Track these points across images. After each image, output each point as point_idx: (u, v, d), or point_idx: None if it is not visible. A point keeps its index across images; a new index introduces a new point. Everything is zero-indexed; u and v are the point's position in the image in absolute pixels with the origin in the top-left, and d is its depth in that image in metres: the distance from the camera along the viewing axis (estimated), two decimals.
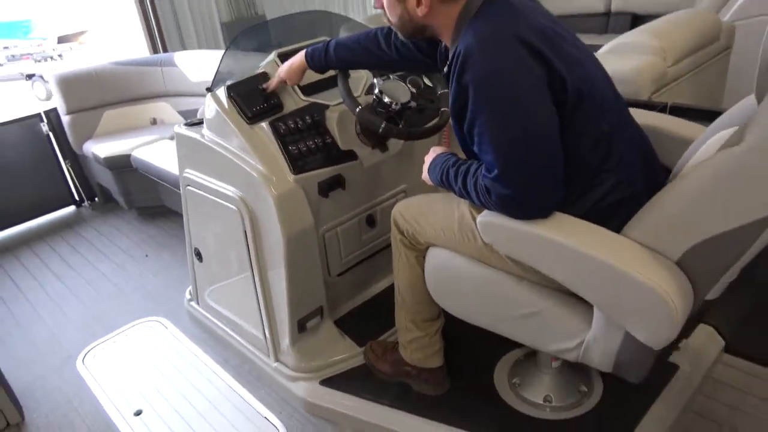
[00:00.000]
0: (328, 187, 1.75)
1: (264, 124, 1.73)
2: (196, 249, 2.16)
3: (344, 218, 1.90)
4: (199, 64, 3.40)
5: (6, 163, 3.39)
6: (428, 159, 1.45)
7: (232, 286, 2.03)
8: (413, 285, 1.57)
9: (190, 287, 2.38)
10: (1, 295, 2.83)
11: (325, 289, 1.92)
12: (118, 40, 10.51)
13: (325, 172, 1.75)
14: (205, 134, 1.85)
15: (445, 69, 1.26)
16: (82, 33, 13.35)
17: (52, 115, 3.48)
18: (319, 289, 1.89)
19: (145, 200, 3.35)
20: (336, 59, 1.68)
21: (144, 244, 3.14)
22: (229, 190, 1.81)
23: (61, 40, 13.16)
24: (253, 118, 1.75)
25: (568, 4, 4.38)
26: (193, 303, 2.37)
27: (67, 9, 13.16)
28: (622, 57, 2.39)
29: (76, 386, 2.13)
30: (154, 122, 3.60)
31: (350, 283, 2.07)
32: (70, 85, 3.45)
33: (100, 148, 3.25)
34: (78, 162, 3.60)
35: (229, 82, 1.81)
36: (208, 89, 1.83)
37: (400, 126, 1.68)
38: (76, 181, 3.66)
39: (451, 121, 1.30)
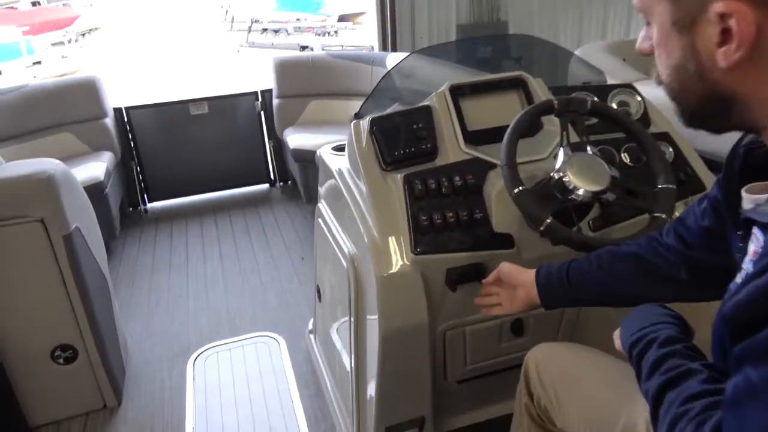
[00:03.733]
0: (459, 278, 1.28)
1: (398, 176, 1.32)
2: (317, 286, 1.88)
3: (479, 317, 1.41)
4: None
5: (222, 133, 3.58)
6: None
7: (338, 347, 1.70)
8: None
9: (312, 319, 2.13)
10: (171, 261, 2.97)
11: (436, 396, 1.47)
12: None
13: (461, 258, 1.27)
14: (343, 168, 1.52)
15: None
16: (360, 14, 14.46)
17: (267, 95, 3.57)
18: (423, 397, 1.44)
19: None
20: (582, 291, 1.04)
21: (306, 243, 3.02)
22: (345, 241, 1.46)
23: (342, 18, 14.45)
24: (390, 164, 1.36)
25: None
26: (311, 336, 2.12)
27: None
28: None
29: (178, 386, 2.04)
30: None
31: (474, 393, 1.58)
32: (286, 69, 3.49)
33: (293, 138, 3.22)
34: (280, 144, 3.66)
35: (379, 113, 1.44)
36: (355, 116, 1.49)
37: (576, 228, 1.12)
38: (274, 162, 3.74)
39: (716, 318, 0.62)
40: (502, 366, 1.52)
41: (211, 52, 12.81)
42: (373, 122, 1.40)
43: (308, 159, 3.06)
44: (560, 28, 4.74)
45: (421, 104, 1.47)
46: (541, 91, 1.51)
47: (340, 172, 1.51)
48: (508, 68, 1.80)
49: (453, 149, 1.39)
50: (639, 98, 1.57)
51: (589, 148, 1.20)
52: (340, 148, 1.68)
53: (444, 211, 1.28)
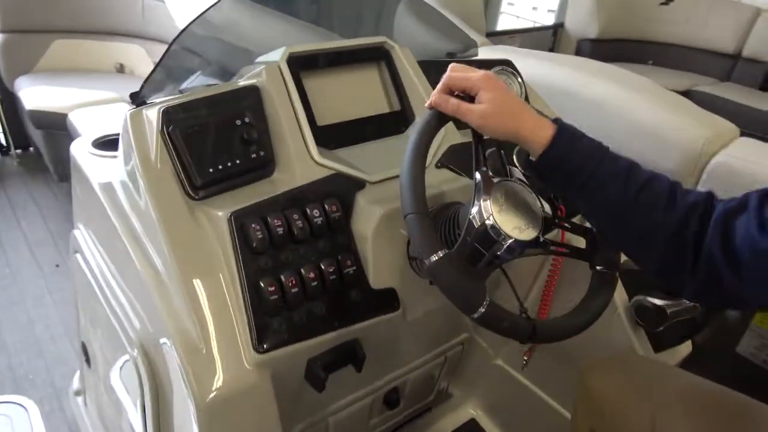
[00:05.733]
0: (326, 370, 0.83)
1: (220, 213, 0.79)
2: (83, 344, 1.26)
3: (345, 402, 0.99)
4: (196, 4, 2.40)
5: None
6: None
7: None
8: None
9: (78, 372, 1.49)
10: None
11: None
12: None
13: (326, 341, 0.82)
14: (116, 183, 0.92)
15: None
16: None
17: None
18: None
19: None
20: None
21: (62, 241, 2.22)
22: (128, 310, 0.89)
23: None
24: (201, 189, 0.82)
25: (692, 34, 3.36)
26: (80, 400, 1.48)
27: None
28: None
29: None
30: (120, 69, 2.62)
31: None
32: None
33: (30, 93, 2.29)
34: (12, 98, 2.64)
35: (174, 97, 0.87)
36: (131, 96, 0.89)
37: (521, 307, 0.75)
38: (4, 122, 2.71)
39: None
40: None
41: None
42: (168, 115, 0.82)
43: (56, 125, 2.21)
44: None
45: (241, 82, 0.94)
46: (409, 66, 1.09)
47: (111, 190, 0.92)
48: (351, 28, 1.34)
49: (299, 158, 0.90)
50: (519, 80, 1.24)
51: (512, 170, 0.83)
52: (105, 144, 1.05)
53: (300, 271, 0.79)
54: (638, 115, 1.41)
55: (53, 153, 2.35)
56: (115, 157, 1.00)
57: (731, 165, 1.28)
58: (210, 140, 0.85)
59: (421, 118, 0.78)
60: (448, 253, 0.68)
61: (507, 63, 1.24)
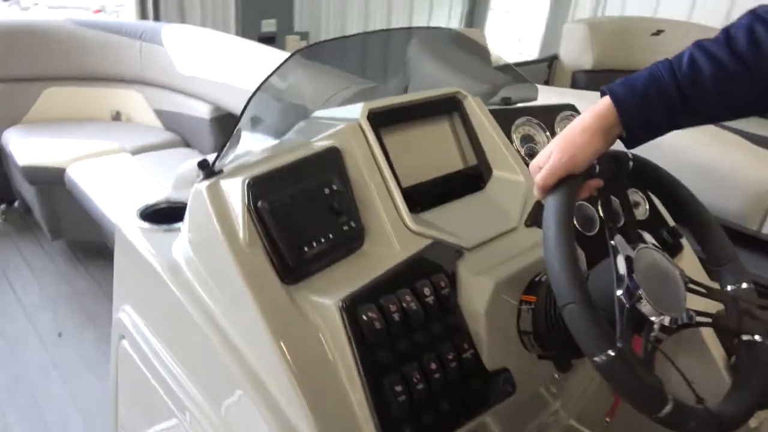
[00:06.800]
0: None
1: (328, 301, 0.69)
2: None
3: None
4: (198, 49, 2.31)
5: None
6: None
7: None
8: None
9: None
10: None
11: None
12: None
13: None
14: (183, 262, 0.81)
15: None
16: None
17: None
18: None
19: (80, 232, 2.25)
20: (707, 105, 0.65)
21: (62, 306, 2.04)
22: (202, 409, 0.77)
23: None
24: (294, 272, 0.71)
25: None
26: None
27: None
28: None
29: None
30: (116, 117, 2.50)
31: None
32: (2, 39, 2.33)
33: (21, 147, 2.14)
34: None
35: (256, 170, 0.77)
36: (202, 167, 0.78)
37: (699, 400, 0.65)
38: None
39: None
40: None
41: None
42: (255, 189, 0.72)
43: (53, 180, 2.06)
44: (350, 1, 4.31)
45: (319, 144, 0.84)
46: (483, 116, 1.01)
47: (178, 270, 0.80)
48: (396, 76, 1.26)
49: (394, 227, 0.80)
50: None
51: (644, 235, 0.75)
52: (153, 215, 0.94)
53: (422, 362, 0.69)
54: (696, 155, 1.36)
55: (48, 210, 2.19)
56: (169, 230, 0.89)
57: None
58: (300, 214, 0.75)
59: (548, 201, 0.69)
60: (621, 349, 0.59)
61: (572, 107, 1.18)
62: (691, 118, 0.68)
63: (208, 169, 0.77)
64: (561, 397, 1.20)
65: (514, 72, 1.24)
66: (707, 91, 0.64)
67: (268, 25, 3.81)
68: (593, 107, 0.69)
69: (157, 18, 3.37)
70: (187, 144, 2.35)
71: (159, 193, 2.01)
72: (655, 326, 0.65)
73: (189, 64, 2.27)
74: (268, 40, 3.70)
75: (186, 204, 0.94)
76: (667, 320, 0.66)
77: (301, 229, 0.74)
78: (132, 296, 0.94)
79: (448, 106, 1.00)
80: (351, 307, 0.67)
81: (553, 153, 0.69)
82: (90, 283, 2.18)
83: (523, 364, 0.82)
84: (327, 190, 0.78)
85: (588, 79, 3.45)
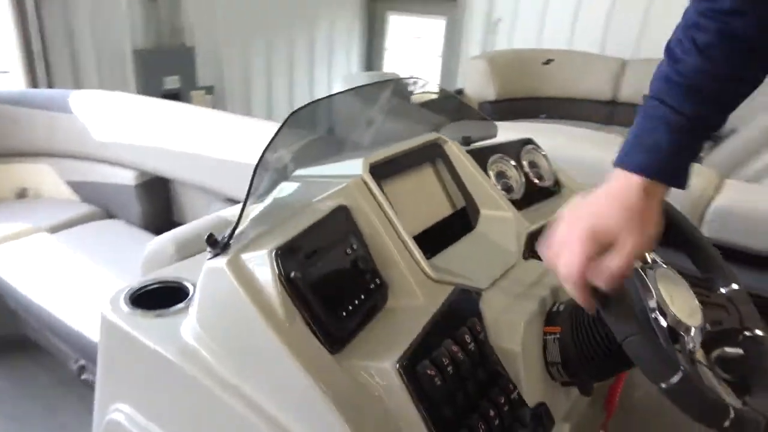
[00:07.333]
0: None
1: (385, 364, 0.66)
2: None
3: None
4: (112, 113, 2.17)
5: None
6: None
7: None
8: None
9: None
10: None
11: None
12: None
13: None
14: (193, 340, 0.74)
15: None
16: None
17: None
18: None
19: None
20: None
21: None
22: None
23: None
24: (338, 341, 0.69)
25: (574, 87, 3.74)
26: None
27: None
28: None
29: None
30: (22, 194, 2.27)
31: None
32: None
33: None
34: None
35: (274, 240, 0.73)
36: (211, 242, 0.73)
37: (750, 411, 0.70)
38: None
39: None
40: None
41: None
42: (284, 259, 0.69)
43: None
44: (252, 53, 4.29)
45: (326, 204, 0.82)
46: (464, 158, 1.05)
47: (194, 355, 0.74)
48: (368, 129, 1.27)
49: (416, 278, 0.80)
50: (543, 153, 1.26)
51: (656, 259, 0.80)
52: (141, 299, 0.86)
53: (481, 411, 0.69)
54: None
55: None
56: (161, 315, 0.82)
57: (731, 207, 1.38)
58: (330, 279, 0.72)
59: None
60: (685, 372, 0.62)
61: (530, 141, 1.25)
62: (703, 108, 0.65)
63: (221, 245, 0.73)
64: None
65: (473, 111, 1.30)
66: (708, 92, 0.66)
67: (172, 82, 3.70)
68: (625, 194, 0.65)
69: (50, 84, 3.16)
70: (110, 215, 2.19)
71: (95, 272, 1.84)
72: (689, 340, 0.70)
73: (105, 130, 2.14)
74: (172, 96, 3.58)
75: (171, 283, 0.89)
76: (693, 333, 0.71)
77: (334, 295, 0.71)
78: (129, 393, 0.85)
79: (432, 153, 1.03)
80: (409, 366, 0.66)
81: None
82: (6, 382, 1.92)
83: (555, 394, 0.84)
84: (348, 251, 0.76)
85: (493, 109, 3.67)
